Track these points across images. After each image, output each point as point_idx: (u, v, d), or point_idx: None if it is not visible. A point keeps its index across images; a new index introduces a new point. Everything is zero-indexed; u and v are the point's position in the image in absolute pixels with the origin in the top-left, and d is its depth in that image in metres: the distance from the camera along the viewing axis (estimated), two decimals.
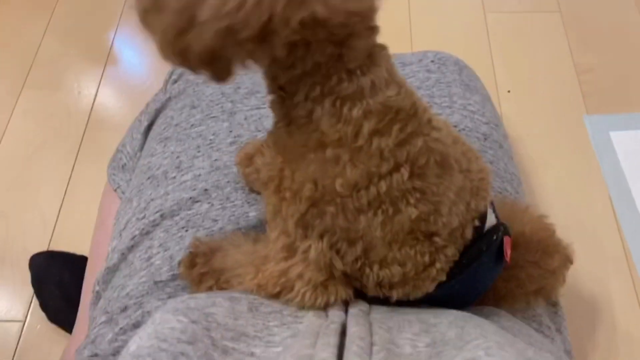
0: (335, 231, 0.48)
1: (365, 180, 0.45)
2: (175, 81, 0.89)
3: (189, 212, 0.70)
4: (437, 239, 0.49)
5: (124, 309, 0.65)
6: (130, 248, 0.70)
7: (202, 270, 0.61)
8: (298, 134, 0.47)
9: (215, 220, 0.69)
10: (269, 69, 0.45)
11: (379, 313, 0.49)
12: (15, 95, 1.37)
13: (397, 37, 1.44)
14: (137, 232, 0.70)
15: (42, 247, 1.13)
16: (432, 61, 0.86)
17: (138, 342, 0.41)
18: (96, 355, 0.63)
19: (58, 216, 1.18)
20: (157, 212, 0.71)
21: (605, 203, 1.17)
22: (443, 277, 0.51)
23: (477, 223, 0.51)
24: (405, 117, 0.46)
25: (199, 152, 0.75)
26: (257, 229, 0.69)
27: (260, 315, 0.47)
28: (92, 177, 1.17)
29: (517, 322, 0.57)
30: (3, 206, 1.20)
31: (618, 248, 1.11)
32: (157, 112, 0.86)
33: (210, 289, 0.61)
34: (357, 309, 0.49)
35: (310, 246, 0.49)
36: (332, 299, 0.50)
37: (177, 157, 0.75)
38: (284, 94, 0.46)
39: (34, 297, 1.07)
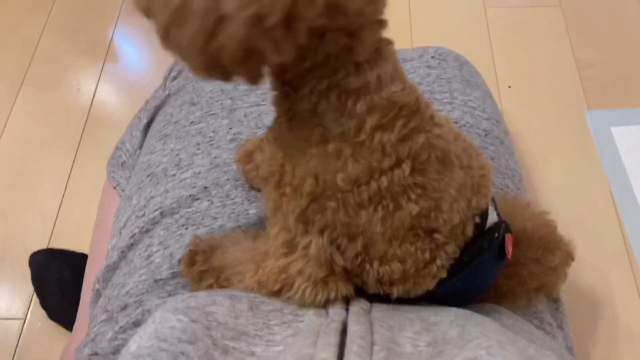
0: (335, 226, 0.48)
1: (366, 175, 0.45)
2: (175, 78, 0.89)
3: (189, 209, 0.70)
4: (437, 235, 0.49)
5: (124, 307, 0.64)
6: (130, 246, 0.70)
7: (202, 268, 0.61)
8: (300, 129, 0.46)
9: (215, 218, 0.69)
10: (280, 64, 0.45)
11: (380, 311, 0.49)
12: (14, 93, 1.36)
13: (397, 32, 1.43)
14: (136, 230, 0.70)
15: (42, 245, 1.13)
16: (433, 57, 0.85)
17: (138, 341, 0.41)
18: (96, 353, 0.62)
19: (58, 214, 1.18)
20: (156, 210, 0.70)
21: (607, 199, 1.17)
22: (443, 274, 0.51)
23: (478, 220, 0.51)
24: (409, 113, 0.46)
25: (198, 149, 0.75)
26: (257, 227, 0.68)
27: (260, 313, 0.47)
28: (92, 174, 1.17)
29: (518, 319, 0.57)
30: (3, 204, 1.20)
31: (619, 244, 1.11)
32: (157, 109, 0.86)
33: (210, 287, 0.61)
34: (358, 307, 0.48)
35: (310, 242, 0.49)
36: (332, 295, 0.50)
37: (177, 154, 0.75)
38: (288, 88, 0.46)
39: (34, 295, 1.07)
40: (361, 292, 0.53)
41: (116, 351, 0.62)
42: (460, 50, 0.89)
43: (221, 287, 0.60)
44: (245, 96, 0.80)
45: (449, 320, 0.45)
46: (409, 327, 0.44)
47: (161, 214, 0.70)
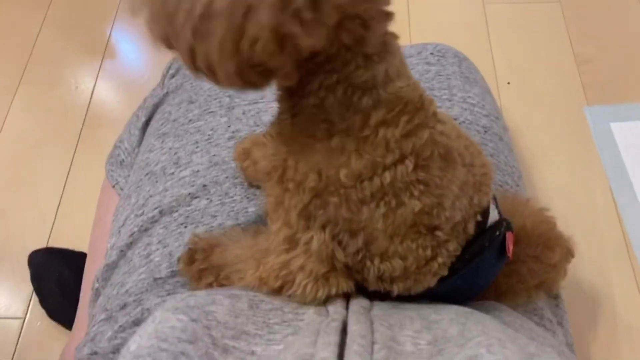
0: (337, 222, 0.48)
1: (369, 171, 0.45)
2: (173, 76, 0.88)
3: (188, 208, 0.70)
4: (439, 233, 0.49)
5: (124, 306, 0.64)
6: (129, 245, 0.70)
7: (201, 266, 0.61)
8: (305, 125, 0.46)
9: (214, 216, 0.69)
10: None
11: (380, 309, 0.49)
12: (12, 92, 1.36)
13: (395, 29, 1.43)
14: (135, 229, 0.70)
15: (41, 244, 1.12)
16: (432, 53, 0.85)
17: (138, 341, 0.41)
18: (96, 353, 0.62)
19: (57, 213, 1.18)
20: (155, 208, 0.70)
21: (606, 194, 1.17)
22: (444, 272, 0.51)
23: (479, 218, 0.51)
24: (413, 109, 0.46)
25: (197, 147, 0.75)
26: (257, 224, 0.68)
27: (260, 312, 0.47)
28: (91, 173, 1.16)
29: (519, 316, 0.57)
30: (1, 203, 1.20)
31: (619, 239, 1.11)
32: (155, 108, 0.85)
33: (210, 285, 0.61)
34: (358, 306, 0.48)
35: (312, 237, 0.49)
36: (333, 291, 0.50)
37: (175, 153, 0.75)
38: (295, 85, 0.45)
39: (34, 294, 1.07)
40: (361, 289, 0.53)
41: (116, 350, 0.62)
42: (459, 47, 0.89)
43: (221, 285, 0.60)
44: (243, 94, 0.80)
45: (449, 318, 0.45)
46: (409, 325, 0.44)
47: (160, 212, 0.70)
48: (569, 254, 0.63)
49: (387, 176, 0.45)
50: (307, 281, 0.50)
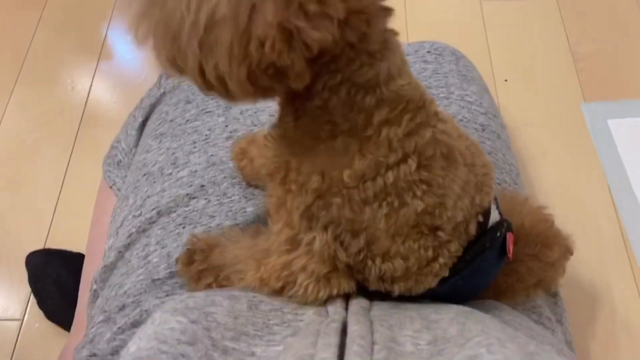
0: (340, 222, 0.48)
1: (372, 171, 0.45)
2: (170, 75, 0.88)
3: (186, 208, 0.69)
4: (441, 233, 0.49)
5: (122, 307, 0.64)
6: (127, 246, 0.69)
7: (200, 267, 0.61)
8: (308, 127, 0.46)
9: (213, 217, 0.69)
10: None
11: (380, 309, 0.49)
12: (8, 92, 1.35)
13: (392, 27, 1.43)
14: (133, 230, 0.70)
15: (39, 245, 1.12)
16: (429, 52, 0.85)
17: (138, 343, 0.41)
18: (95, 355, 0.62)
19: (54, 214, 1.17)
20: (153, 209, 0.70)
21: (604, 191, 1.17)
22: (446, 273, 0.51)
23: (481, 219, 0.51)
24: (415, 108, 0.46)
25: (194, 147, 0.75)
26: (255, 224, 0.68)
27: (260, 313, 0.47)
28: (88, 173, 1.16)
29: (518, 315, 0.57)
30: None
31: (617, 236, 1.11)
32: (152, 108, 0.85)
33: (209, 286, 0.61)
34: (358, 306, 0.48)
35: (314, 238, 0.49)
36: (334, 291, 0.50)
37: (173, 153, 0.75)
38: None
39: (32, 296, 1.06)
40: (362, 288, 0.53)
41: (115, 352, 0.61)
42: (456, 45, 0.89)
43: (220, 286, 0.60)
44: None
45: (449, 317, 0.45)
46: (409, 325, 0.44)
47: (158, 213, 0.70)
48: (567, 251, 0.63)
49: (390, 176, 0.45)
50: (309, 282, 0.50)
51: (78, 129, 1.30)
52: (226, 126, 0.76)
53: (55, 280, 1.02)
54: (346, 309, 0.49)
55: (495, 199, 0.55)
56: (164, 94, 0.84)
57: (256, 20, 0.36)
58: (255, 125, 0.76)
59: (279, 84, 0.40)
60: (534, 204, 0.66)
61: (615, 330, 1.02)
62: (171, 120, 0.79)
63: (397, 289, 0.51)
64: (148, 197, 0.72)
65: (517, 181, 0.78)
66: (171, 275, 0.65)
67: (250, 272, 0.54)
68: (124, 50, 1.46)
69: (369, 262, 0.50)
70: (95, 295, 0.71)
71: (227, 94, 0.40)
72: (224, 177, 0.71)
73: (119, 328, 0.62)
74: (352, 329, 0.42)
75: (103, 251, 0.73)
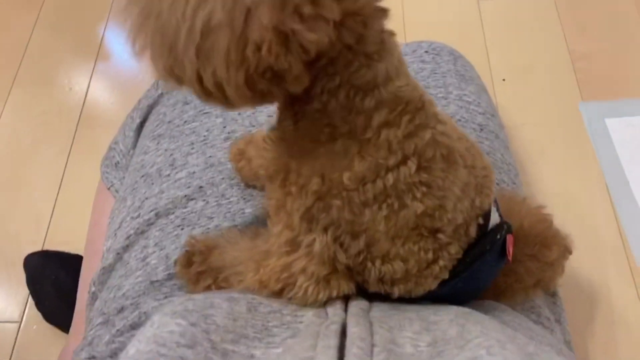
0: (340, 224, 0.48)
1: (372, 173, 0.45)
2: None
3: (184, 210, 0.69)
4: (441, 235, 0.49)
5: (121, 309, 0.64)
6: (126, 248, 0.69)
7: (199, 269, 0.61)
8: (308, 130, 0.46)
9: (211, 218, 0.68)
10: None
11: (379, 311, 0.49)
12: (5, 93, 1.35)
13: (389, 27, 1.43)
14: (132, 232, 0.69)
15: (37, 247, 1.12)
16: (427, 51, 0.85)
17: (137, 345, 0.40)
18: (93, 357, 0.62)
19: (52, 215, 1.17)
20: (151, 210, 0.70)
21: (602, 190, 1.17)
22: (446, 275, 0.51)
23: (481, 221, 0.51)
24: (414, 109, 0.46)
25: (192, 149, 0.74)
26: (254, 225, 0.68)
27: (259, 315, 0.47)
28: (86, 175, 1.16)
29: (517, 315, 0.57)
30: None
31: (615, 235, 1.12)
32: (150, 109, 0.85)
33: (208, 288, 0.60)
34: (357, 308, 0.48)
35: (314, 239, 0.49)
36: (334, 293, 0.50)
37: (171, 154, 0.75)
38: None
39: (30, 297, 1.06)
40: (361, 290, 0.53)
41: (113, 354, 0.61)
42: (454, 45, 0.89)
43: (219, 288, 0.59)
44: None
45: (448, 319, 0.45)
46: (408, 327, 0.44)
47: (156, 214, 0.69)
48: (566, 251, 0.63)
49: (390, 178, 0.45)
50: (309, 283, 0.50)
51: (76, 129, 1.30)
52: (224, 127, 0.76)
53: (53, 282, 1.01)
54: (345, 310, 0.48)
55: (496, 201, 0.55)
56: (161, 95, 0.84)
57: (252, 24, 0.36)
58: (254, 126, 0.76)
59: (277, 88, 0.40)
60: (532, 204, 0.66)
61: (613, 329, 1.02)
62: (169, 122, 0.79)
63: (396, 291, 0.51)
64: (146, 198, 0.71)
65: (515, 181, 0.78)
66: (170, 277, 0.65)
67: (249, 274, 0.54)
68: (122, 50, 1.45)
69: (369, 264, 0.50)
70: (93, 297, 0.71)
71: (226, 101, 0.40)
72: (223, 178, 0.71)
73: (118, 330, 0.62)
74: (351, 330, 0.42)
75: (101, 253, 0.73)
